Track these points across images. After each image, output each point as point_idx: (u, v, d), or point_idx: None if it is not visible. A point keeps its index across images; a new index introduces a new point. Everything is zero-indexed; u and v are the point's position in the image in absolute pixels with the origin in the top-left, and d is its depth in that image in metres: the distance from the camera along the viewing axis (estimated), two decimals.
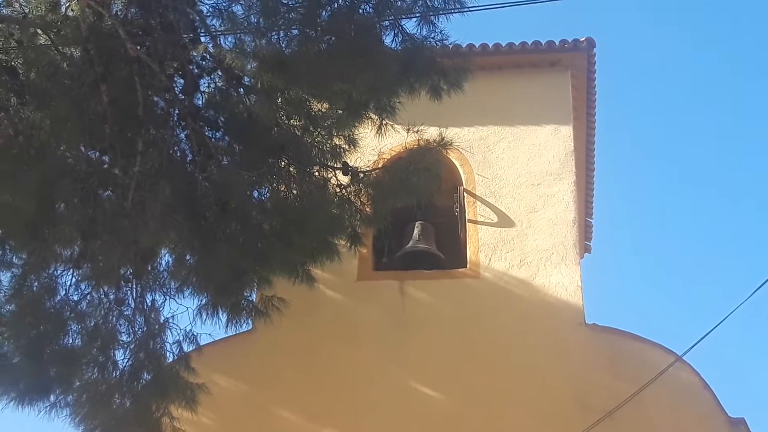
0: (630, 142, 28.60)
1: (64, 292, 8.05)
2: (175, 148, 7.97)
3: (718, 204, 29.59)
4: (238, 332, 9.13)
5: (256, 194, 8.53)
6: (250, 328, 9.43)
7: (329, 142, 8.58)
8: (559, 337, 9.80)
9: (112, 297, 8.16)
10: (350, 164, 8.71)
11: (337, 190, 8.74)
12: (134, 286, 8.31)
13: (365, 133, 8.78)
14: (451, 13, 7.60)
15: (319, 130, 8.46)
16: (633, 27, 28.30)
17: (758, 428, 9.30)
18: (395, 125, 8.51)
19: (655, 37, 28.64)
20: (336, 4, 7.50)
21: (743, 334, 28.01)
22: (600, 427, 8.98)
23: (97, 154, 7.70)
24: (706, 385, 9.46)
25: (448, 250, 11.01)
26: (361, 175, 8.78)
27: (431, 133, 8.87)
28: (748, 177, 28.70)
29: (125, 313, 8.23)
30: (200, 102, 8.06)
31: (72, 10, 7.44)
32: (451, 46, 8.07)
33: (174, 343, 8.40)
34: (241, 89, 8.03)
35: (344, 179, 8.78)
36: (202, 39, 7.77)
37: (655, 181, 29.63)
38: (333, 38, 7.45)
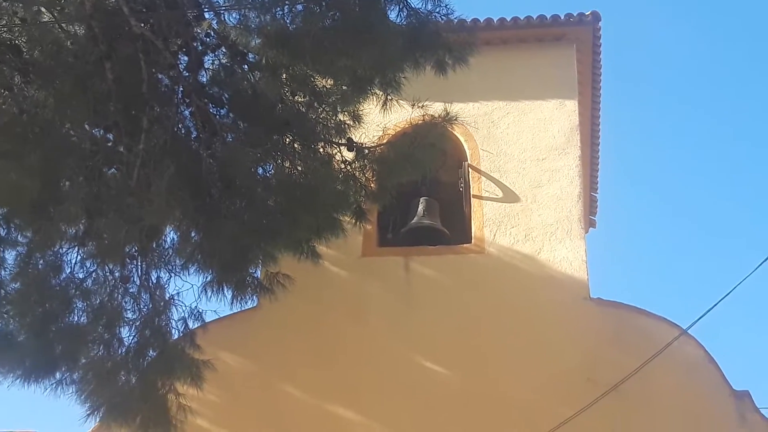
0: (635, 117, 28.58)
1: (69, 269, 8.07)
2: (180, 126, 7.96)
3: (724, 178, 29.57)
4: (243, 309, 9.19)
5: (260, 171, 8.52)
6: (255, 304, 9.41)
7: (334, 118, 8.56)
8: (564, 312, 9.81)
9: (117, 274, 8.16)
10: (355, 140, 8.71)
11: (342, 166, 8.72)
12: (139, 263, 8.31)
13: (370, 108, 8.74)
14: None
15: (323, 106, 8.43)
16: (638, 1, 28.17)
17: (763, 401, 9.34)
18: (400, 101, 8.48)
19: (661, 10, 28.51)
20: None
21: (748, 308, 28.10)
22: (605, 400, 9.00)
23: (102, 131, 7.68)
24: (711, 359, 9.48)
25: (452, 226, 11.00)
26: (366, 151, 8.77)
27: (436, 108, 8.84)
28: (756, 151, 28.66)
29: (130, 290, 8.25)
30: (204, 79, 8.05)
31: None
32: (456, 20, 8.02)
33: (179, 320, 8.44)
34: (246, 66, 8.00)
35: (349, 155, 8.76)
36: (206, 15, 7.76)
37: (659, 155, 29.61)
38: (337, 14, 7.41)
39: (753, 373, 24.76)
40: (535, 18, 11.43)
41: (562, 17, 11.40)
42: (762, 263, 8.12)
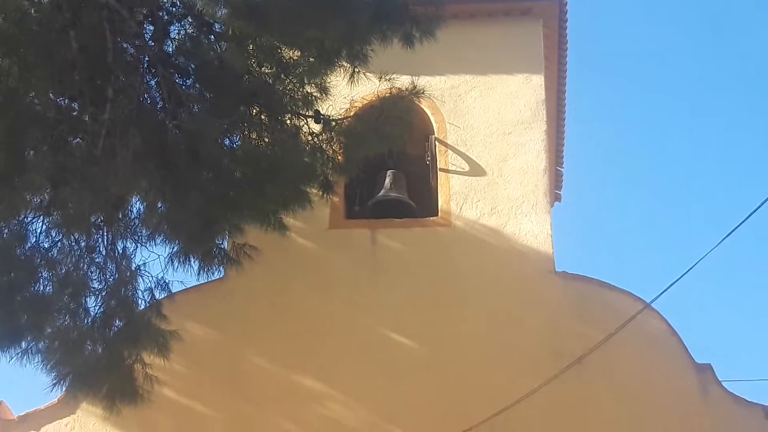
0: (600, 92, 28.73)
1: (34, 239, 8.00)
2: (146, 96, 7.89)
3: (687, 153, 29.80)
4: (210, 280, 9.20)
5: (227, 142, 8.49)
6: (221, 275, 9.45)
7: (301, 90, 8.52)
8: (530, 285, 9.90)
9: (83, 244, 8.12)
10: (322, 112, 8.68)
11: (309, 138, 8.72)
12: (105, 233, 8.28)
13: (337, 81, 8.71)
14: None
15: (290, 77, 8.40)
16: None
17: (724, 374, 9.47)
18: (367, 73, 8.46)
19: None
20: None
21: (710, 282, 28.42)
22: (569, 372, 9.12)
23: (67, 101, 7.61)
24: (674, 332, 9.61)
25: (419, 199, 11.05)
26: (333, 123, 8.76)
27: (403, 81, 8.84)
28: (717, 127, 28.91)
29: (96, 260, 8.21)
30: (170, 49, 7.98)
31: None
32: None
33: (146, 290, 8.42)
34: (212, 36, 7.95)
35: (316, 127, 8.75)
36: None
37: (624, 131, 29.79)
38: None
39: (715, 346, 25.08)
40: None
41: None
42: (724, 239, 8.21)
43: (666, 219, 29.54)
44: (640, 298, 9.63)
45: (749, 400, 9.25)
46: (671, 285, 8.83)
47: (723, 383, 9.37)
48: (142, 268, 8.38)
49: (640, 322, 9.40)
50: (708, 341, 24.90)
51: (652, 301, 9.42)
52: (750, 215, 7.81)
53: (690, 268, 8.56)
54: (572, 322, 9.62)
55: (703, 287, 29.00)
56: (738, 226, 7.99)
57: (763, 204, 7.61)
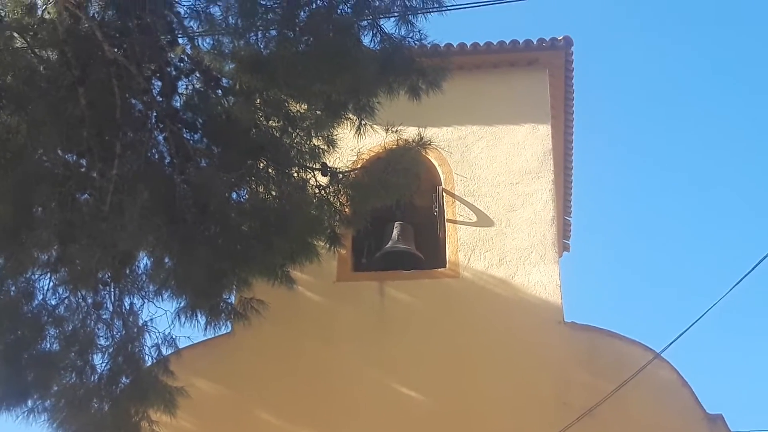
0: (608, 141, 28.73)
1: (41, 296, 8.02)
2: (154, 151, 7.93)
3: (696, 203, 29.77)
4: (217, 335, 9.09)
5: (234, 196, 8.49)
6: (229, 330, 9.37)
7: (308, 142, 8.53)
8: (539, 336, 9.84)
9: (90, 301, 8.11)
10: (329, 165, 8.70)
11: (316, 191, 8.71)
12: (112, 289, 8.26)
13: (344, 133, 8.72)
14: (430, 12, 7.60)
15: (297, 130, 8.41)
16: (611, 25, 28.42)
17: (736, 424, 9.38)
18: (374, 125, 8.46)
19: (633, 34, 28.76)
20: (314, 5, 7.48)
21: (721, 332, 28.22)
22: (579, 424, 9.03)
23: (75, 157, 7.66)
24: (685, 382, 9.53)
25: (427, 250, 11.01)
26: (340, 175, 8.77)
27: (410, 132, 8.86)
28: (727, 177, 28.92)
29: (103, 316, 8.19)
30: (178, 104, 8.01)
31: (49, 12, 7.34)
32: (429, 45, 8.04)
33: (153, 346, 8.38)
34: (220, 90, 7.98)
35: (323, 180, 8.75)
36: (180, 41, 7.73)
37: (632, 179, 29.76)
38: (311, 39, 7.42)
39: (726, 396, 24.87)
40: (507, 43, 11.50)
41: (535, 42, 11.48)
42: (734, 287, 8.15)
43: (675, 268, 29.38)
44: (650, 348, 9.57)
45: None
46: (681, 334, 8.78)
47: None
48: (149, 324, 8.37)
49: (651, 373, 9.33)
50: (719, 391, 24.67)
51: (662, 351, 9.37)
52: (759, 263, 7.77)
53: (700, 317, 8.51)
54: (582, 372, 9.55)
55: (714, 337, 28.77)
56: (747, 273, 7.95)
57: None
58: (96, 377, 8.08)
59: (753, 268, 7.86)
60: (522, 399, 9.42)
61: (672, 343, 9.04)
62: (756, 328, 28.21)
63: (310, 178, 8.70)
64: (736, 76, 28.89)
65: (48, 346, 7.89)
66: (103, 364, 8.14)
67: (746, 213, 29.06)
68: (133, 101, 7.70)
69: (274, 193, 8.47)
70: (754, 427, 13.05)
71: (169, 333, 8.43)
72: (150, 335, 8.35)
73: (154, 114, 7.76)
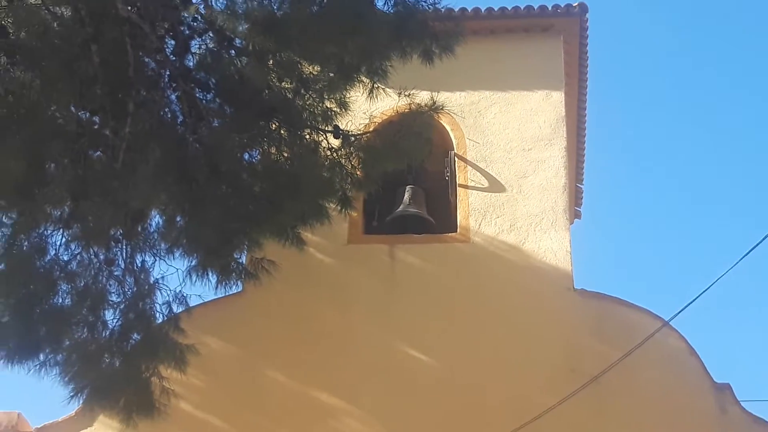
0: (621, 109, 28.64)
1: (54, 252, 8.06)
2: (166, 110, 7.95)
3: (710, 169, 29.65)
4: (227, 294, 9.16)
5: (246, 157, 8.50)
6: (240, 290, 9.47)
7: (320, 105, 8.53)
8: (548, 302, 9.87)
9: (102, 257, 8.18)
10: (341, 128, 8.70)
11: (328, 153, 8.73)
12: (124, 247, 8.34)
13: (356, 96, 8.74)
14: None
15: (310, 93, 8.41)
16: None
17: (743, 393, 9.40)
18: (387, 89, 8.46)
19: (647, 2, 28.58)
20: None
21: (730, 301, 28.19)
22: (587, 390, 9.06)
23: (88, 114, 7.67)
24: (693, 351, 9.55)
25: (438, 215, 11.03)
26: (352, 138, 8.78)
27: (422, 97, 8.85)
28: (741, 142, 28.77)
29: (115, 273, 8.27)
30: (191, 63, 8.02)
31: None
32: (443, 9, 8.02)
33: (164, 304, 8.48)
34: (233, 51, 7.96)
35: (335, 142, 8.77)
36: (194, 0, 7.73)
37: (645, 148, 29.70)
38: (325, 0, 7.41)
39: (734, 365, 24.89)
40: (522, 8, 11.46)
41: (550, 8, 11.44)
42: (743, 257, 8.17)
43: (686, 236, 29.41)
44: (658, 317, 9.58)
45: None
46: (690, 303, 8.80)
47: (742, 403, 9.32)
48: (160, 281, 8.46)
49: (659, 341, 9.35)
50: (727, 360, 24.70)
51: (671, 320, 9.38)
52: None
53: (709, 287, 8.53)
54: (590, 339, 9.58)
55: (723, 306, 28.74)
56: (758, 244, 7.97)
57: None
58: (107, 333, 8.17)
59: (764, 239, 7.88)
60: (530, 365, 9.46)
61: (681, 311, 9.06)
62: (764, 297, 28.21)
63: (322, 141, 8.72)
64: (752, 47, 28.71)
65: (60, 301, 7.95)
66: (115, 320, 8.25)
67: (762, 181, 28.96)
68: (146, 60, 7.69)
69: (285, 155, 8.49)
70: (762, 397, 13.10)
71: (180, 291, 8.54)
72: (161, 293, 8.45)
73: (167, 73, 7.77)
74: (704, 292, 8.59)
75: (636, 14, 28.79)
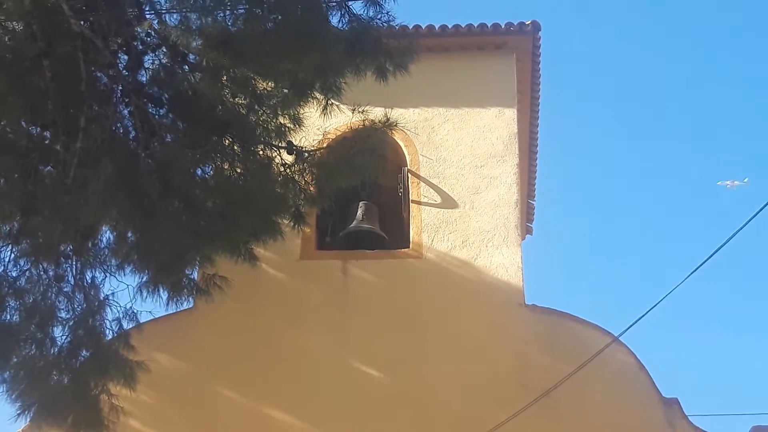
0: (573, 126, 28.94)
1: (2, 268, 7.98)
2: (118, 125, 7.88)
3: (658, 188, 30.04)
4: (179, 310, 9.15)
5: (199, 172, 8.46)
6: (191, 306, 9.41)
7: (274, 121, 8.52)
8: (500, 318, 9.92)
9: (51, 273, 8.10)
10: (295, 143, 8.70)
11: (282, 169, 8.72)
12: (74, 262, 8.26)
13: (310, 112, 8.75)
14: None
15: (264, 108, 8.40)
16: (578, 10, 28.56)
17: (691, 408, 9.51)
18: (341, 105, 8.50)
19: (600, 19, 28.92)
20: None
21: (678, 317, 28.57)
22: (538, 405, 9.12)
23: (39, 129, 7.60)
24: (642, 366, 9.64)
25: (391, 231, 11.06)
26: (306, 154, 8.77)
27: (376, 113, 8.89)
28: (689, 163, 29.17)
29: (64, 289, 8.19)
30: (144, 79, 7.97)
31: None
32: (397, 27, 8.03)
33: (114, 320, 8.40)
34: (186, 66, 7.94)
35: (289, 158, 8.76)
36: (147, 15, 7.67)
37: (596, 165, 30.02)
38: (279, 17, 7.40)
39: (682, 381, 25.20)
40: (476, 26, 11.56)
41: (503, 26, 11.55)
42: (691, 274, 8.28)
43: (636, 253, 29.74)
44: (608, 332, 9.68)
45: None
46: (639, 319, 8.89)
47: (690, 418, 9.41)
48: (110, 297, 8.39)
49: (608, 356, 9.44)
50: (675, 376, 25.00)
51: (620, 335, 9.48)
52: (715, 252, 7.92)
53: (657, 303, 8.63)
54: (541, 355, 9.64)
55: (671, 322, 29.16)
56: (704, 262, 8.09)
57: (728, 241, 7.71)
58: (56, 350, 8.08)
59: (710, 257, 8.00)
60: (481, 380, 9.49)
61: (630, 327, 9.15)
62: (713, 314, 28.61)
63: (275, 156, 8.71)
64: (699, 58, 29.16)
65: (8, 317, 7.85)
66: (64, 337, 8.16)
67: (709, 200, 29.39)
68: (99, 75, 7.64)
69: (239, 171, 8.45)
70: (708, 411, 13.26)
71: (131, 307, 8.47)
72: (111, 309, 8.39)
73: (120, 88, 7.72)
74: (653, 308, 8.69)
75: (588, 32, 29.18)
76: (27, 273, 8.04)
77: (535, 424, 9.07)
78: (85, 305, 8.24)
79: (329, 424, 9.27)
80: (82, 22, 7.18)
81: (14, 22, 7.22)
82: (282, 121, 8.58)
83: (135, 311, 8.49)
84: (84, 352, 8.17)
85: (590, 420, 9.30)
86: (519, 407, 9.05)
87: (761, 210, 7.36)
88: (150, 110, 7.92)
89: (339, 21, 7.67)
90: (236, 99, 8.26)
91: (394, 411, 9.34)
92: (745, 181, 12.37)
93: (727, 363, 27.88)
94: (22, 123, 7.54)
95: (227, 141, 8.34)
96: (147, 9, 7.62)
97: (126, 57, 7.71)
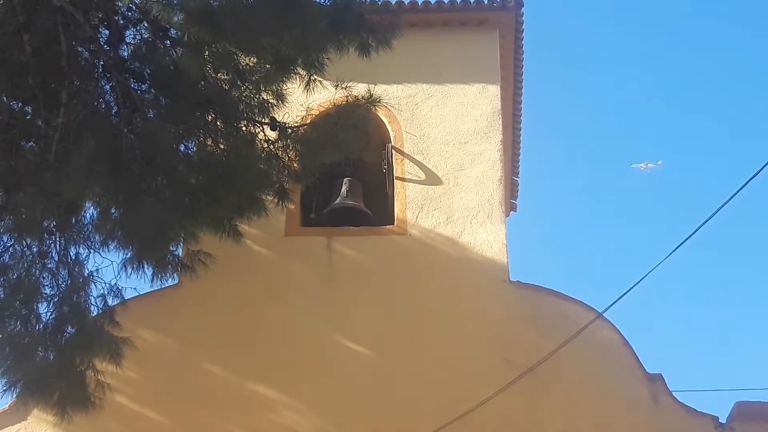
0: (556, 102, 28.96)
1: None
2: (100, 100, 7.87)
3: (644, 161, 29.99)
4: (163, 286, 9.13)
5: (182, 148, 8.45)
6: (176, 282, 9.38)
7: (257, 96, 8.50)
8: (484, 294, 9.95)
9: (35, 249, 8.09)
10: (278, 119, 8.70)
11: (265, 145, 8.71)
12: (58, 238, 8.25)
13: (293, 88, 8.73)
14: None
15: (246, 84, 8.37)
16: None
17: (675, 384, 9.58)
18: (323, 81, 8.52)
19: None
20: None
21: (662, 293, 28.72)
22: (521, 382, 9.18)
23: (20, 104, 7.58)
24: (626, 342, 9.70)
25: (375, 207, 11.07)
26: (289, 130, 8.77)
27: (360, 89, 8.87)
28: (671, 139, 29.23)
29: (48, 266, 8.18)
30: (126, 54, 7.96)
31: None
32: (380, 2, 8.11)
33: (98, 296, 8.40)
34: (168, 41, 7.94)
35: (272, 134, 8.76)
36: None
37: (579, 141, 30.09)
38: None
39: (666, 357, 25.35)
40: (458, 2, 11.52)
41: (486, 2, 11.53)
42: (675, 250, 8.30)
43: (619, 230, 29.86)
44: (592, 308, 9.72)
45: (699, 410, 9.36)
46: (623, 295, 8.90)
47: (674, 393, 9.49)
48: (95, 274, 8.38)
49: (592, 332, 9.48)
50: (659, 352, 25.16)
51: (604, 311, 9.51)
52: (699, 227, 7.92)
53: (641, 279, 8.65)
54: (525, 331, 9.68)
55: (655, 298, 29.23)
56: (688, 237, 8.10)
57: (712, 216, 7.72)
58: (41, 326, 8.08)
59: (693, 233, 8.02)
60: (466, 356, 9.53)
61: (614, 303, 9.16)
62: (697, 290, 28.78)
63: (258, 133, 8.70)
64: (685, 36, 29.21)
65: None
66: (48, 313, 8.16)
67: (692, 175, 29.48)
68: (80, 49, 7.63)
69: (222, 147, 8.45)
70: (693, 387, 13.37)
71: (116, 283, 8.47)
72: (96, 285, 8.38)
73: (101, 63, 7.70)
74: (637, 284, 8.71)
75: (571, 8, 29.14)
76: (11, 249, 8.05)
77: (519, 400, 9.16)
78: (69, 281, 8.23)
79: (314, 400, 9.31)
80: None
81: None
82: (265, 97, 8.56)
83: (120, 288, 8.51)
84: (69, 329, 8.16)
85: (574, 396, 9.37)
86: (503, 383, 9.11)
87: (744, 186, 7.36)
88: (132, 85, 7.89)
89: None
90: (219, 74, 8.26)
91: (378, 386, 9.38)
92: (659, 163, 12.69)
93: (711, 339, 28.08)
94: (3, 98, 7.51)
95: (210, 117, 8.33)
96: None
97: (107, 32, 7.68)
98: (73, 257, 8.33)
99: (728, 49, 28.89)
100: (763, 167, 7.08)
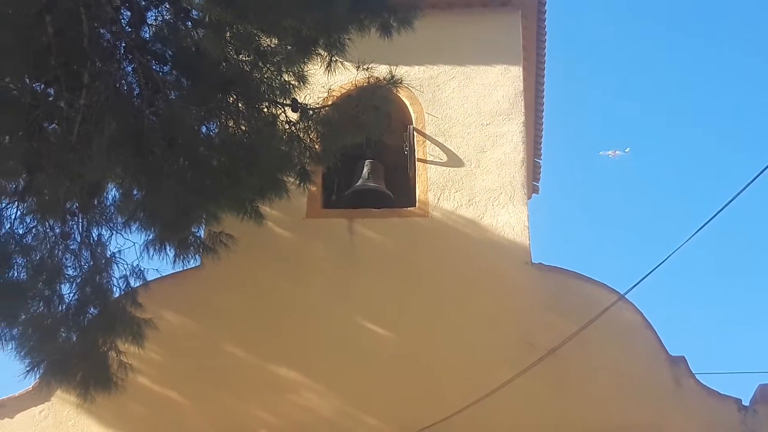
0: (579, 83, 28.82)
1: (9, 225, 7.98)
2: (122, 82, 7.83)
3: (664, 147, 29.94)
4: (186, 268, 9.18)
5: (204, 130, 8.41)
6: (198, 264, 9.42)
7: (278, 78, 8.45)
8: (506, 276, 9.92)
9: (57, 231, 8.11)
10: (299, 101, 8.65)
11: (287, 126, 8.66)
12: (80, 220, 8.27)
13: (315, 69, 8.68)
14: None
15: (268, 65, 8.33)
16: None
17: (697, 366, 9.53)
18: (345, 62, 8.46)
19: None
20: None
21: (685, 275, 28.58)
22: (543, 364, 9.15)
23: (42, 86, 7.57)
24: (648, 324, 9.65)
25: (397, 189, 11.04)
26: (311, 112, 8.73)
27: (381, 71, 8.80)
28: (695, 121, 29.06)
29: (71, 247, 8.21)
30: (147, 35, 7.95)
31: None
32: None
33: (121, 278, 8.43)
34: (189, 23, 7.92)
35: (293, 116, 8.71)
36: None
37: (602, 123, 29.92)
38: None
39: (689, 339, 25.25)
40: None
41: None
42: (697, 231, 8.19)
43: (642, 212, 29.74)
44: (614, 290, 9.66)
45: (722, 392, 9.33)
46: (645, 277, 8.81)
47: (696, 376, 9.44)
48: (117, 255, 8.41)
49: (615, 314, 9.43)
50: (682, 334, 25.06)
51: (626, 293, 9.44)
52: (722, 209, 7.79)
53: (664, 260, 8.56)
54: (547, 313, 9.65)
55: (678, 280, 29.23)
56: (710, 219, 7.99)
57: (735, 198, 7.63)
58: (64, 307, 8.12)
59: (716, 214, 7.90)
60: (487, 338, 9.52)
61: (636, 285, 9.06)
62: (720, 272, 28.63)
63: (280, 114, 8.65)
64: (708, 17, 28.98)
65: (15, 274, 7.86)
66: (71, 294, 8.20)
67: (715, 158, 29.29)
68: (102, 31, 7.60)
69: (243, 128, 8.40)
70: (716, 369, 13.28)
71: (138, 265, 8.50)
72: (118, 267, 8.42)
73: (123, 44, 7.69)
74: (659, 265, 8.63)
75: None
76: (33, 230, 8.06)
77: (541, 383, 9.14)
78: (92, 262, 8.27)
79: (335, 381, 9.35)
80: None
81: None
82: (286, 78, 8.51)
83: (142, 269, 8.54)
84: (92, 310, 8.21)
85: (596, 378, 9.35)
86: (525, 365, 9.09)
87: (766, 168, 7.26)
88: (153, 67, 7.87)
89: None
90: (240, 56, 8.21)
91: (399, 369, 9.39)
92: (627, 150, 12.70)
93: (735, 321, 27.95)
94: (26, 79, 7.51)
95: (231, 98, 8.29)
96: None
97: (129, 13, 7.67)
98: (96, 238, 8.36)
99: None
100: None
